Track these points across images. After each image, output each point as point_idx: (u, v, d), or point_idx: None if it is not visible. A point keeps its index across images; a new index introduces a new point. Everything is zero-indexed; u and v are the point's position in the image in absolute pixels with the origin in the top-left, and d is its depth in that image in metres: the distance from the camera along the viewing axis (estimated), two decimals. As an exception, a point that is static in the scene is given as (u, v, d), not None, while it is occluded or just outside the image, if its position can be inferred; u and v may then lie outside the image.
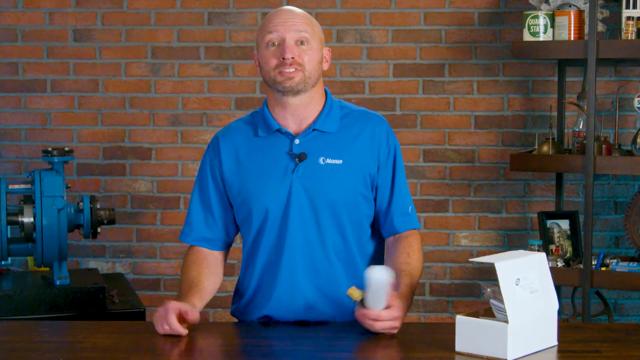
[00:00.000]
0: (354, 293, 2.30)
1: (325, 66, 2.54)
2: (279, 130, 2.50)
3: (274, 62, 2.44)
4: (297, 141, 2.48)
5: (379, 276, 2.23)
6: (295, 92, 2.45)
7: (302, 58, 2.44)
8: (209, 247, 2.57)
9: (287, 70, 2.42)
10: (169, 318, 2.28)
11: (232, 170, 2.52)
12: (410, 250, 2.50)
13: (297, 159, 2.47)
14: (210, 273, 2.52)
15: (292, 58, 2.42)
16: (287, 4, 4.05)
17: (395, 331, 2.30)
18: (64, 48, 4.13)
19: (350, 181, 2.48)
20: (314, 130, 2.49)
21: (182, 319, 2.31)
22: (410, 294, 2.40)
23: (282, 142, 2.50)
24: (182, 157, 4.15)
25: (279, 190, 2.46)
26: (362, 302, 2.29)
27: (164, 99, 4.14)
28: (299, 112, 2.50)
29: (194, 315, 2.31)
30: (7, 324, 2.62)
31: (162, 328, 2.29)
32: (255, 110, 2.60)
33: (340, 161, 2.48)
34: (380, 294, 2.25)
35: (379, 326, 2.28)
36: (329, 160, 2.48)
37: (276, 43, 2.45)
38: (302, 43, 2.45)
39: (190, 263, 2.53)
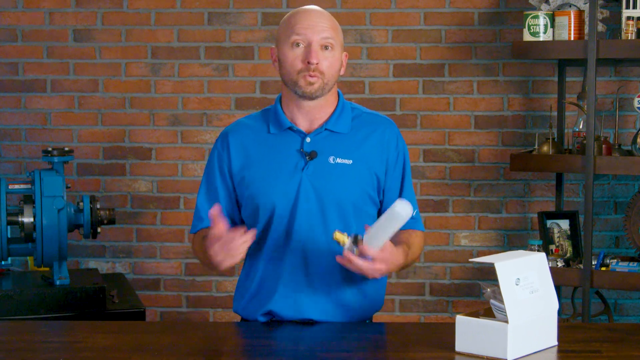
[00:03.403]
0: (340, 237, 2.28)
1: (342, 71, 2.54)
2: (290, 128, 2.51)
3: (298, 64, 2.44)
4: (308, 139, 2.49)
5: (400, 209, 2.19)
6: (312, 97, 2.46)
7: (323, 65, 2.44)
8: None
9: (311, 76, 2.43)
10: (229, 239, 2.26)
11: (241, 166, 2.52)
12: (410, 238, 2.50)
13: (307, 157, 2.47)
14: None
15: (317, 64, 2.43)
16: (290, 4, 4.05)
17: (378, 275, 2.30)
18: (64, 48, 4.13)
19: (359, 181, 2.49)
20: (325, 129, 2.50)
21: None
22: (404, 257, 2.40)
23: (293, 139, 2.50)
24: (182, 157, 4.15)
25: (288, 187, 2.47)
26: (352, 245, 2.27)
27: (164, 99, 4.14)
28: (313, 112, 2.51)
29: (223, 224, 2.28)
30: (7, 324, 2.62)
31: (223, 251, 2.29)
32: (267, 108, 2.60)
33: (350, 161, 2.49)
34: (388, 228, 2.23)
35: (366, 266, 2.27)
36: (339, 160, 2.48)
37: (301, 45, 2.45)
38: (326, 48, 2.45)
39: (202, 239, 2.45)
